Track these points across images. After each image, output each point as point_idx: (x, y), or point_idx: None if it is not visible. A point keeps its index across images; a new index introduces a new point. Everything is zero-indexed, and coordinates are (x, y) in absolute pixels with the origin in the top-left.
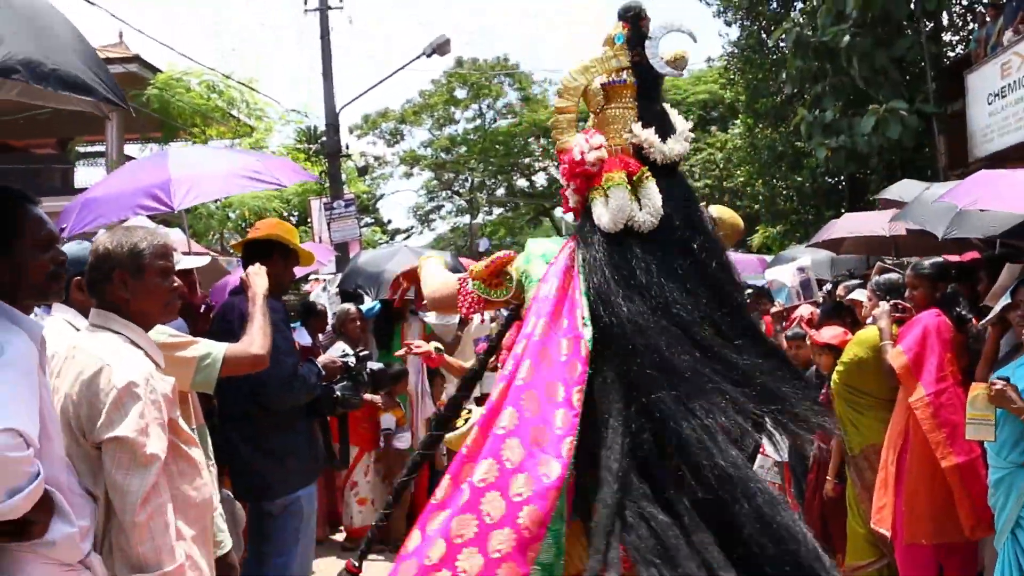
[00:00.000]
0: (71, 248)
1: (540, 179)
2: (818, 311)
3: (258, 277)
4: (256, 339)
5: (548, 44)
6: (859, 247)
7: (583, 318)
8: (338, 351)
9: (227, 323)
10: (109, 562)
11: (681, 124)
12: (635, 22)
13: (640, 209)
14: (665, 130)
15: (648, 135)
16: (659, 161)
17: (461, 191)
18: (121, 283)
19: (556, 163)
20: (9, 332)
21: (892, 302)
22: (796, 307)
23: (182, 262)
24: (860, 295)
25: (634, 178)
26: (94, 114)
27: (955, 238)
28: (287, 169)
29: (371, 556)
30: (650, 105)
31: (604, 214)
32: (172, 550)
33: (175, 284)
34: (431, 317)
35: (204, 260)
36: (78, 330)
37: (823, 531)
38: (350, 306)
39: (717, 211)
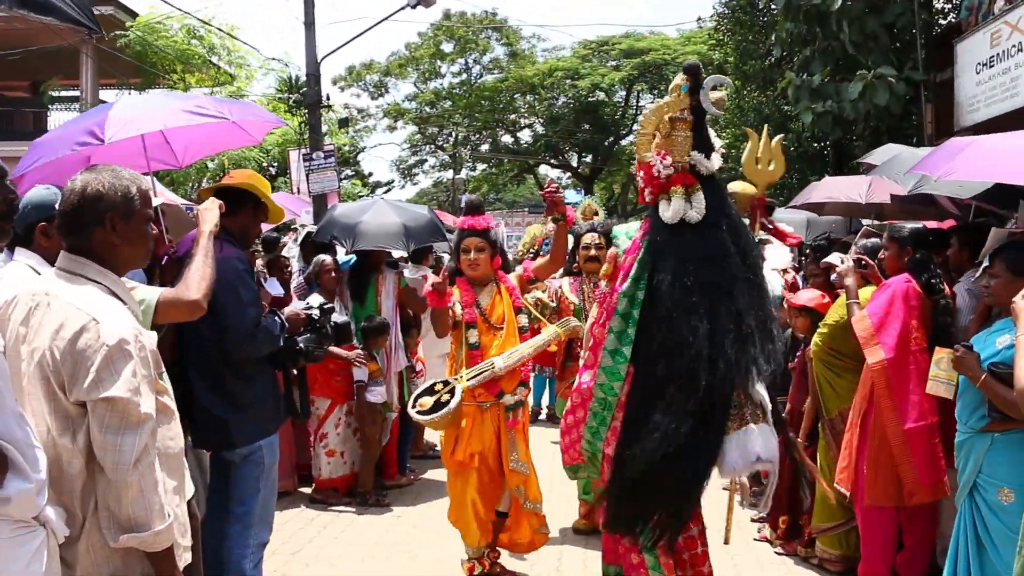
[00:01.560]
0: (37, 192)
1: (525, 136)
2: (798, 277)
3: (209, 212)
4: (191, 283)
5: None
6: (841, 209)
7: (630, 277)
8: (315, 302)
9: None
10: (95, 520)
11: (716, 142)
12: (695, 76)
13: (692, 209)
14: (708, 149)
15: (700, 159)
16: (704, 174)
17: (445, 146)
18: (112, 227)
19: (542, 121)
20: None
21: (855, 258)
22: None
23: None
24: (835, 258)
25: (689, 189)
26: (68, 55)
27: (935, 206)
28: (242, 109)
29: (339, 508)
30: (701, 133)
31: (667, 211)
32: (162, 509)
33: (154, 233)
34: (407, 271)
35: (157, 201)
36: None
37: (790, 491)
38: (326, 257)
39: (731, 187)
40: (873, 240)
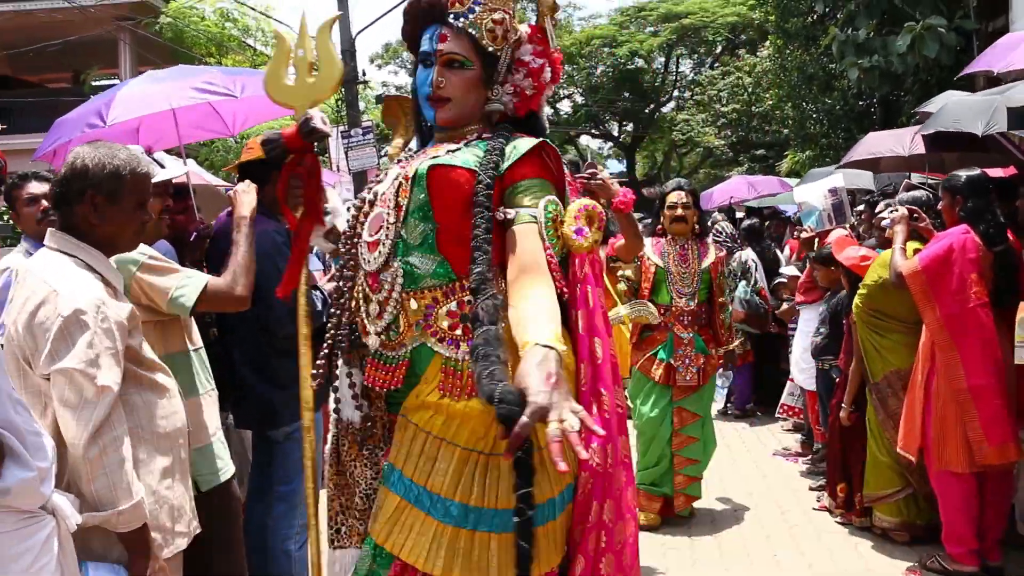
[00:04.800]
0: None
1: (565, 106)
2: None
3: (245, 195)
4: (240, 278)
5: None
6: (898, 164)
7: None
8: None
9: (222, 246)
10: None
11: None
12: None
13: None
14: None
15: None
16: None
17: None
18: (92, 206)
19: (581, 91)
20: None
21: (908, 208)
22: (828, 232)
23: (159, 174)
24: (881, 209)
25: None
26: (106, 45)
27: (998, 151)
28: (256, 81)
29: None
30: None
31: None
32: (128, 487)
33: (146, 217)
34: None
35: (181, 170)
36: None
37: (842, 459)
38: None
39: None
40: (912, 194)
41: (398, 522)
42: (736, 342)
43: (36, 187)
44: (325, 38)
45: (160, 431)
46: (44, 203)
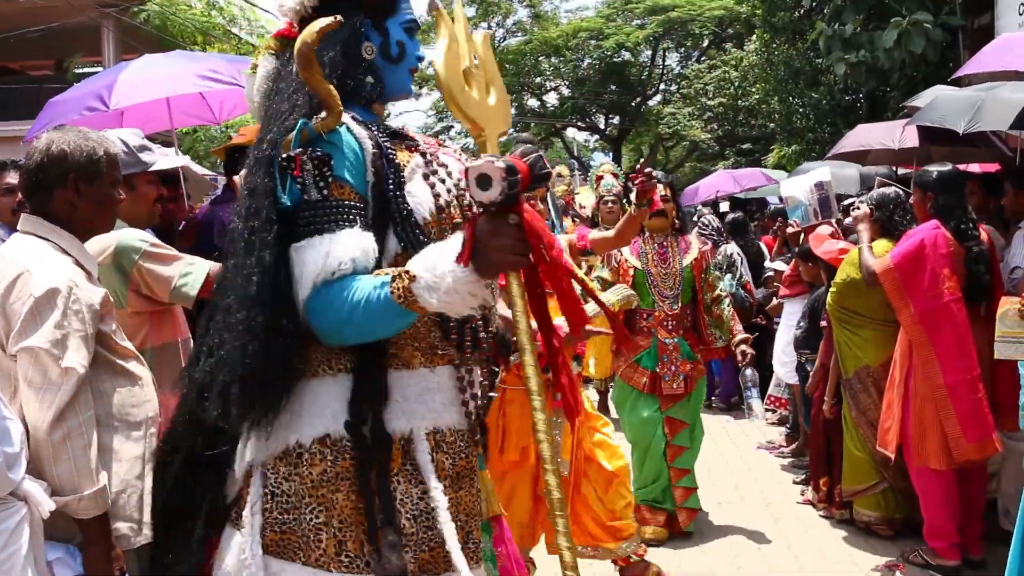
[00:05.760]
0: None
1: (551, 99)
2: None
3: None
4: None
5: None
6: (887, 158)
7: None
8: None
9: (209, 234)
10: None
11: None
12: None
13: None
14: None
15: None
16: None
17: None
18: (75, 190)
19: (567, 83)
20: None
21: (872, 206)
22: (815, 227)
23: (158, 162)
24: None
25: None
26: (89, 32)
27: (986, 146)
28: None
29: None
30: None
31: None
32: (91, 473)
33: (119, 197)
34: None
35: (180, 160)
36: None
37: (827, 452)
38: None
39: None
40: (880, 191)
41: (490, 491)
42: (740, 335)
43: (13, 177)
44: (491, 54)
45: (131, 419)
46: (20, 195)
